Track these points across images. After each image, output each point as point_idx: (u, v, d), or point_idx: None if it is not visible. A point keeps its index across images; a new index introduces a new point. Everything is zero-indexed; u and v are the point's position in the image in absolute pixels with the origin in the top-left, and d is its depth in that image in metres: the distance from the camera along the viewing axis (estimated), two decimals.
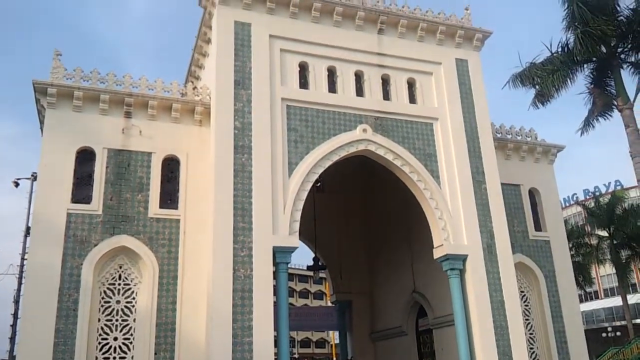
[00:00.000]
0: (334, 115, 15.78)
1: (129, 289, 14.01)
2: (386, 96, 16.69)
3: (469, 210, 16.08)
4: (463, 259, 15.62)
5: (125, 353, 13.46)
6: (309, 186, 14.89)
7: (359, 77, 16.57)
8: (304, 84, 15.91)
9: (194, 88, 16.12)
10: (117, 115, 14.91)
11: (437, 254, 15.92)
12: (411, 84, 17.18)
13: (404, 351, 20.48)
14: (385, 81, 16.86)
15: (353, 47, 16.50)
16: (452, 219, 15.87)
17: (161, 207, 14.62)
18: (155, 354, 13.38)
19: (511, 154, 19.79)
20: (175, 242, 14.35)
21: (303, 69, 16.02)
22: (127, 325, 13.68)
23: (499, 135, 19.64)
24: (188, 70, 18.84)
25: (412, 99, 17.04)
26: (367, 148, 15.85)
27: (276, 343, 13.61)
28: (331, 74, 16.29)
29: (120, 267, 14.11)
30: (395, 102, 16.66)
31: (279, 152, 14.67)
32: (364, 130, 15.83)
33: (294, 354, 70.54)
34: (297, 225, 14.35)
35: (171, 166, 15.18)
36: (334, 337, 51.35)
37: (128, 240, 14.06)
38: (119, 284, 13.99)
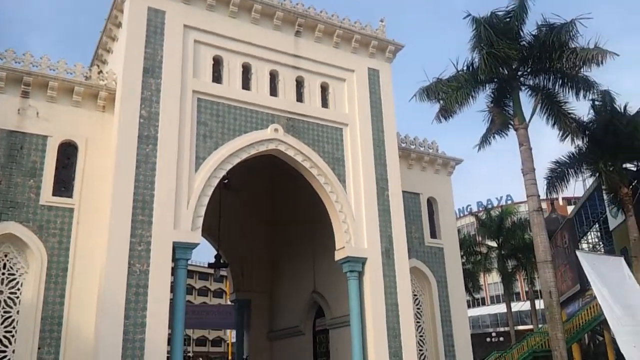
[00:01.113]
0: (246, 113, 15.67)
1: (14, 279, 13.07)
2: (299, 98, 16.82)
3: (371, 215, 16.56)
4: (363, 261, 16.05)
5: (6, 347, 12.54)
6: (215, 182, 14.67)
7: (273, 76, 16.58)
8: (217, 78, 15.67)
9: (100, 72, 15.38)
10: (13, 95, 13.88)
11: (338, 256, 16.24)
12: (324, 88, 17.43)
13: (300, 351, 20.70)
14: (300, 83, 16.99)
15: (269, 46, 16.47)
16: (355, 222, 16.26)
17: (54, 194, 13.78)
18: (39, 348, 12.56)
19: (413, 164, 20.62)
20: (67, 232, 13.58)
21: (217, 62, 15.78)
22: (10, 317, 12.75)
23: (403, 145, 20.39)
24: (94, 54, 17.92)
25: (325, 103, 17.29)
26: (278, 148, 15.88)
27: (170, 341, 13.27)
28: (246, 70, 16.17)
29: (6, 256, 13.15)
30: (308, 105, 16.83)
31: (187, 146, 14.33)
32: (276, 130, 15.85)
33: (189, 352, 69.10)
34: (200, 221, 14.08)
35: (68, 152, 14.35)
36: (230, 335, 50.85)
37: (15, 228, 13.11)
38: (3, 274, 13.01)
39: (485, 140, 23.86)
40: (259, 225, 23.63)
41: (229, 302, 29.75)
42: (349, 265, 15.96)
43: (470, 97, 22.65)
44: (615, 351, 28.65)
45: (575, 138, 24.29)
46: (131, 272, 12.70)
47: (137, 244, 12.96)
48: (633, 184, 28.81)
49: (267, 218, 23.73)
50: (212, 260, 22.62)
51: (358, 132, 17.26)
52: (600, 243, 41.22)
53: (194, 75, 15.11)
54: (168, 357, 13.13)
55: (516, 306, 58.07)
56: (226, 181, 17.04)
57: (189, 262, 14.26)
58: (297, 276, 21.29)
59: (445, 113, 22.63)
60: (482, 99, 23.60)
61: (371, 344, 15.32)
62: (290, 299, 21.83)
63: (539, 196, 22.38)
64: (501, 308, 60.61)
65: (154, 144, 13.85)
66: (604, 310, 19.61)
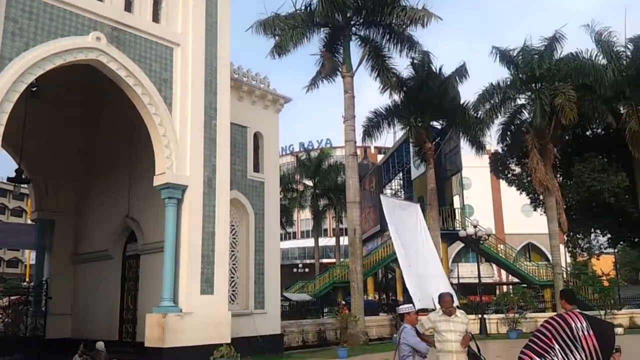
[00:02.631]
0: (65, 14, 14.03)
1: None
2: (128, 7, 15.50)
3: (196, 143, 16.24)
4: (183, 189, 15.80)
5: None
6: (22, 87, 13.08)
7: None
8: None
9: None
10: None
11: (157, 181, 15.76)
12: (157, 2, 16.28)
13: (107, 275, 20.00)
14: None
15: None
16: (179, 149, 15.84)
17: None
18: None
19: (244, 97, 20.56)
20: None
21: None
22: None
23: (236, 76, 20.14)
24: None
25: (156, 18, 16.19)
26: (98, 59, 14.58)
27: None
28: None
29: None
30: (138, 17, 15.62)
31: None
32: (98, 39, 14.49)
33: None
34: (0, 130, 12.55)
35: None
36: (29, 257, 47.19)
37: None
38: None
39: (314, 83, 24.66)
40: (71, 142, 21.79)
41: (29, 222, 27.40)
42: (168, 191, 15.61)
43: (305, 38, 23.09)
44: (403, 286, 32.56)
45: (393, 92, 26.29)
46: None
47: None
48: (436, 140, 32.27)
49: (82, 135, 21.95)
50: (12, 174, 20.38)
51: (190, 55, 16.56)
52: (402, 190, 45.86)
53: None
54: None
55: (323, 241, 62.49)
56: (35, 89, 15.25)
57: None
58: (110, 199, 20.27)
59: (280, 50, 22.81)
60: (316, 43, 24.12)
61: (184, 270, 15.37)
62: (101, 222, 20.79)
63: (355, 142, 23.92)
64: (310, 242, 64.76)
65: None
66: (396, 250, 22.10)
